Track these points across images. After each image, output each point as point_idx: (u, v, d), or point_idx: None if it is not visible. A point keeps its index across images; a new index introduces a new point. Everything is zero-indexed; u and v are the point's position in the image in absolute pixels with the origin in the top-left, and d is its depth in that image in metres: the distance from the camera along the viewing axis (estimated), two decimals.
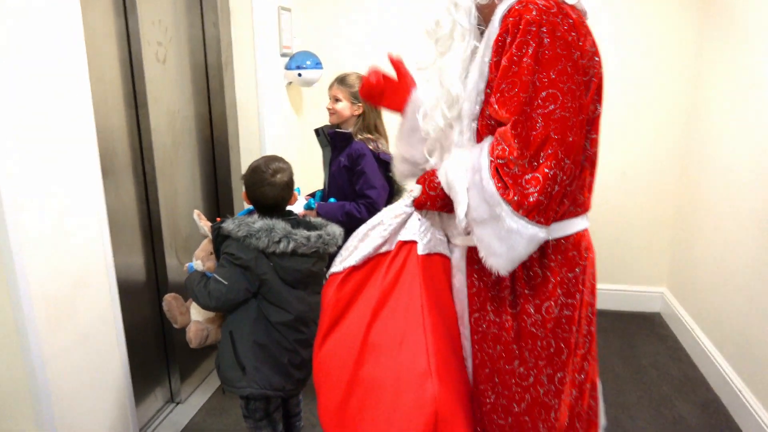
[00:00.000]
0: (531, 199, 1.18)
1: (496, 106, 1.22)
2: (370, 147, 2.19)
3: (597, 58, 1.27)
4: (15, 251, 1.35)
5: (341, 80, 2.24)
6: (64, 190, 1.54)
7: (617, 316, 3.25)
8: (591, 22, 1.31)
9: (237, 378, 1.76)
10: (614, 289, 3.32)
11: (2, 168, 1.31)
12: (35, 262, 1.44)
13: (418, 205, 1.49)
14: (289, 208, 2.02)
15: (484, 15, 1.31)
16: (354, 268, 1.51)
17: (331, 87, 2.26)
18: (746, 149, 2.35)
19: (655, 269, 3.28)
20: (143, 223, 2.17)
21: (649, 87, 3.04)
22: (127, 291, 1.96)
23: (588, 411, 1.46)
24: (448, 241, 1.53)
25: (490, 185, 1.21)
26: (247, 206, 1.86)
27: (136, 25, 2.00)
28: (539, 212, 1.19)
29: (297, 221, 1.79)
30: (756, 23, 2.31)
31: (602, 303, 3.29)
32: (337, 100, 2.22)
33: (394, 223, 1.51)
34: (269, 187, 1.74)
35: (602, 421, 1.51)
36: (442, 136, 1.40)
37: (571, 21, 1.19)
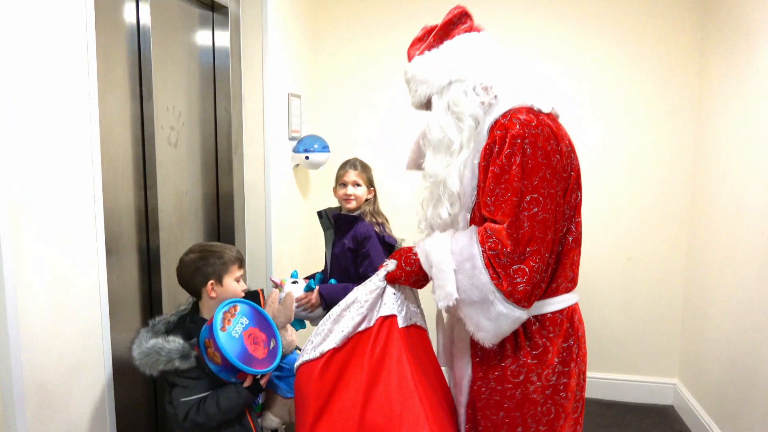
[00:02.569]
0: (520, 288, 1.35)
1: (492, 208, 1.40)
2: (376, 229, 2.20)
3: (573, 155, 1.47)
4: (12, 339, 1.31)
5: (362, 166, 2.29)
6: (68, 271, 1.53)
7: (628, 409, 3.11)
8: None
9: None
10: (624, 379, 3.21)
11: (8, 251, 1.30)
12: (32, 350, 1.40)
13: (391, 279, 1.62)
14: (284, 291, 2.03)
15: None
16: (335, 350, 1.56)
17: (347, 173, 2.27)
18: (752, 235, 2.34)
19: (665, 359, 3.18)
20: (144, 303, 2.14)
21: (650, 171, 3.09)
22: (121, 371, 1.90)
23: None
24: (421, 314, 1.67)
25: (484, 275, 1.37)
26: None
27: (151, 111, 2.07)
28: (526, 299, 1.37)
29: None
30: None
31: (612, 394, 3.20)
32: (357, 185, 2.25)
33: (370, 299, 1.59)
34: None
35: None
36: (445, 227, 1.53)
37: (549, 130, 1.39)
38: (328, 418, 1.52)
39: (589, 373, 3.20)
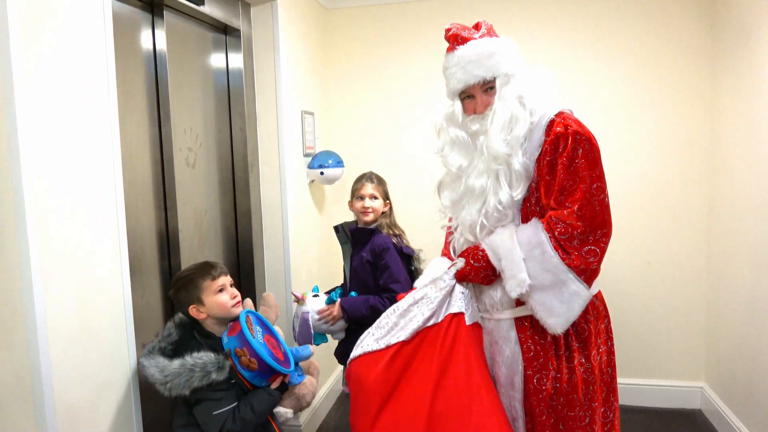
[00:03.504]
0: (593, 267, 1.52)
1: (562, 197, 1.54)
2: (394, 241, 2.22)
3: None
4: (43, 358, 1.35)
5: (378, 180, 2.32)
6: (94, 293, 1.57)
7: (656, 414, 3.07)
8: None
9: None
10: (650, 384, 3.17)
11: (38, 275, 1.34)
12: (61, 369, 1.43)
13: (461, 276, 1.69)
14: (305, 306, 2.06)
15: None
16: (404, 343, 1.63)
17: (363, 186, 2.30)
18: None
19: (691, 363, 3.14)
20: (167, 322, 2.17)
21: (665, 173, 3.07)
22: (147, 389, 1.93)
23: None
24: (481, 315, 1.73)
25: (554, 257, 1.50)
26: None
27: (169, 133, 2.12)
28: (594, 277, 1.55)
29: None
30: None
31: (638, 400, 3.15)
32: (375, 198, 2.28)
33: (440, 296, 1.66)
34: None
35: None
36: (500, 216, 1.63)
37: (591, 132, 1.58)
38: (394, 407, 1.58)
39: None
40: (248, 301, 2.00)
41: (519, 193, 1.59)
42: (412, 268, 2.31)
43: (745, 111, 2.57)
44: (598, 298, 1.67)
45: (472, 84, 1.64)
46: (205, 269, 1.78)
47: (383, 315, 1.70)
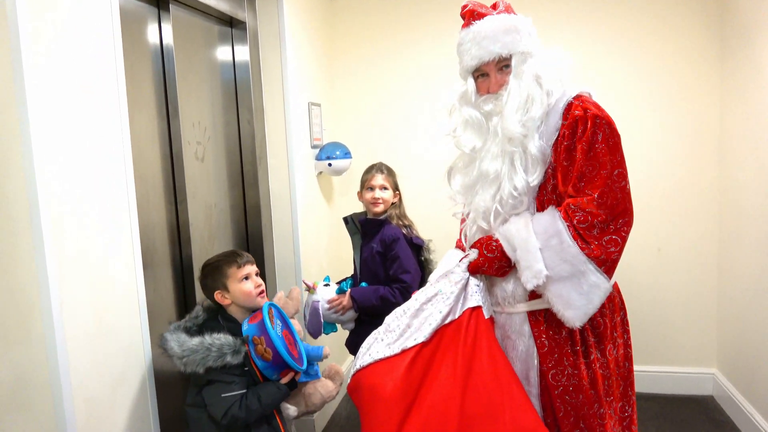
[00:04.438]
0: (614, 257, 1.45)
1: (582, 183, 1.46)
2: (404, 231, 2.22)
3: None
4: (60, 352, 1.36)
5: (388, 170, 2.31)
6: (108, 286, 1.58)
7: (667, 401, 3.07)
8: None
9: None
10: (662, 371, 3.17)
11: (53, 270, 1.36)
12: (78, 362, 1.45)
13: (474, 268, 1.61)
14: (316, 295, 2.08)
15: None
16: (423, 345, 1.51)
17: (373, 177, 2.30)
18: None
19: (703, 350, 3.13)
20: (180, 315, 2.19)
21: (675, 159, 3.05)
22: (162, 382, 1.95)
23: None
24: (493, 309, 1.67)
25: (573, 247, 1.43)
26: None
27: (177, 128, 2.12)
28: (614, 268, 1.47)
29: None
30: None
31: (650, 387, 3.15)
32: (384, 189, 2.27)
33: (455, 290, 1.57)
34: None
35: None
36: (515, 203, 1.56)
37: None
38: (419, 414, 1.45)
39: None
40: (280, 294, 2.05)
41: (535, 179, 1.50)
42: (422, 258, 2.31)
43: (754, 98, 2.54)
44: (615, 289, 1.63)
45: (487, 61, 1.54)
46: (232, 257, 1.83)
47: (391, 318, 1.59)
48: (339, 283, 2.34)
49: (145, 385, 1.74)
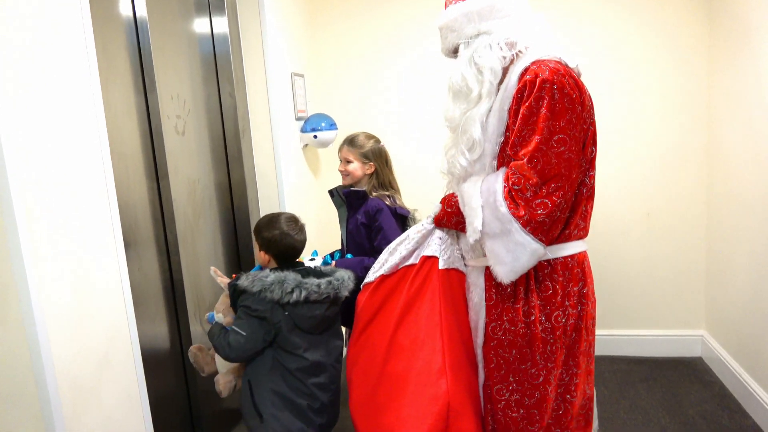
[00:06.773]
0: (539, 219, 1.46)
1: (518, 147, 1.50)
2: (387, 202, 2.19)
3: (592, 111, 1.56)
4: (40, 333, 1.34)
5: (350, 142, 2.27)
6: (88, 267, 1.55)
7: (656, 364, 3.10)
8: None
9: (255, 426, 1.80)
10: (650, 334, 3.20)
11: (27, 249, 1.32)
12: (60, 344, 1.42)
13: (437, 221, 1.78)
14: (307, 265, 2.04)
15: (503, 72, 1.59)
16: (384, 277, 1.80)
17: (341, 149, 2.28)
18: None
19: (691, 311, 3.16)
20: (167, 294, 2.17)
21: (663, 123, 3.02)
22: (151, 363, 1.94)
23: (587, 413, 1.70)
24: (463, 262, 1.78)
25: (503, 206, 1.48)
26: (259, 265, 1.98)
27: (155, 102, 2.06)
28: (543, 231, 1.48)
29: (307, 271, 1.86)
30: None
31: (639, 350, 3.19)
32: (348, 161, 2.24)
33: (417, 237, 1.79)
34: (295, 241, 1.88)
35: (596, 423, 1.76)
36: (465, 174, 1.65)
37: (573, 81, 1.49)
38: (370, 332, 1.79)
39: (615, 331, 3.21)
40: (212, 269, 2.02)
41: (475, 156, 1.60)
42: (407, 228, 2.28)
43: (742, 59, 2.50)
44: (576, 259, 1.61)
45: (446, 53, 1.72)
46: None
47: (383, 252, 1.86)
48: (326, 257, 2.32)
49: (132, 365, 1.72)
